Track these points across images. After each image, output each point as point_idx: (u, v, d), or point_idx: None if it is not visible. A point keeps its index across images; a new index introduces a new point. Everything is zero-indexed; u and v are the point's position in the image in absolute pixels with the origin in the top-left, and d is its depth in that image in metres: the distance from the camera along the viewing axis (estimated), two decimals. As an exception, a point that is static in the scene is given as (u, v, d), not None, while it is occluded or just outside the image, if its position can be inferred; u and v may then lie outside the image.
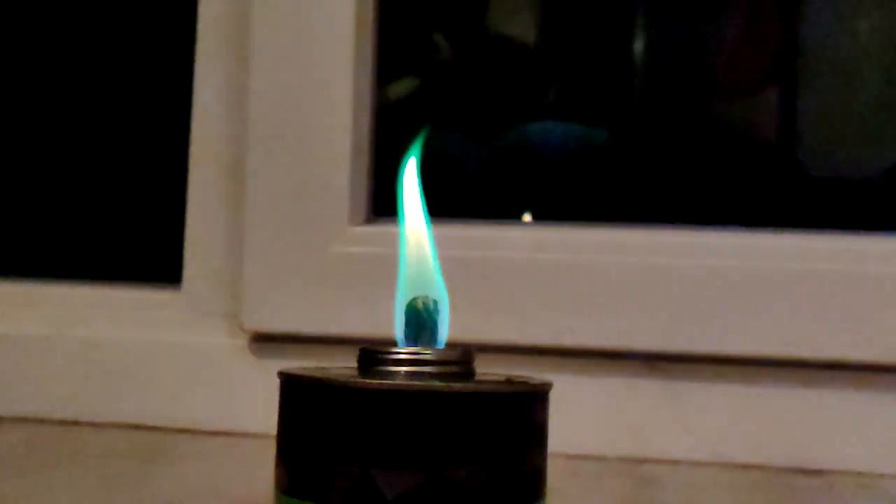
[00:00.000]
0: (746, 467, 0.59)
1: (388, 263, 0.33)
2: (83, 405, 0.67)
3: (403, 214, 0.32)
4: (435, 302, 0.30)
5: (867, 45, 0.78)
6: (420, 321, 0.29)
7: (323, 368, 0.29)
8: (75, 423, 0.67)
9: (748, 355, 0.60)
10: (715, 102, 0.84)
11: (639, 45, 0.84)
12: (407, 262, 0.31)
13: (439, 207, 0.33)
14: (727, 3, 0.84)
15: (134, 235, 0.84)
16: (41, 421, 0.67)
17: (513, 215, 0.77)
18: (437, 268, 0.31)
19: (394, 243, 0.31)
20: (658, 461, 0.60)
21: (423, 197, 0.32)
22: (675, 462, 0.60)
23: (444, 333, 0.30)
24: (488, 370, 0.30)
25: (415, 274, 0.31)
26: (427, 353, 0.28)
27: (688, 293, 0.60)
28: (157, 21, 0.86)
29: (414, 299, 0.29)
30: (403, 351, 0.28)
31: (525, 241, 0.64)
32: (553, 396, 0.29)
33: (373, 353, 0.28)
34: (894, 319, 0.58)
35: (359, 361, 0.29)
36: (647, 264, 0.61)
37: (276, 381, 0.29)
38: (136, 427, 0.66)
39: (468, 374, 0.29)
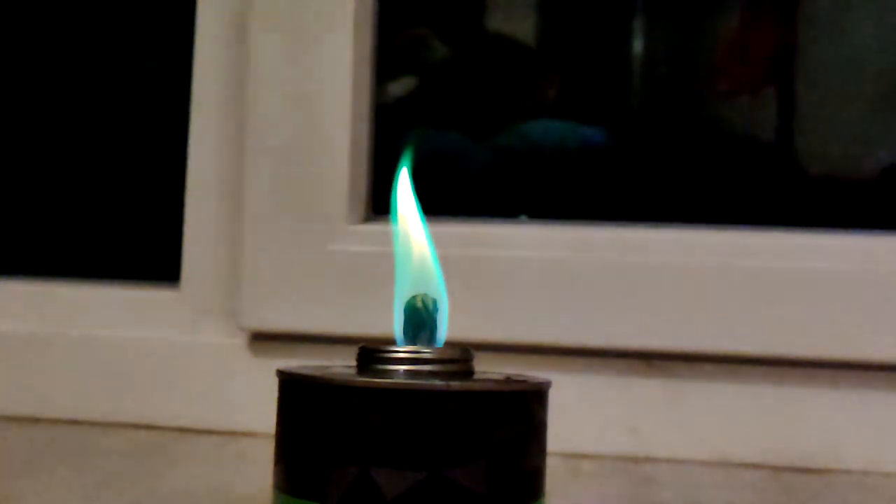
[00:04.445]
0: (745, 466, 0.59)
1: (386, 262, 0.33)
2: (82, 404, 0.67)
3: (400, 215, 0.31)
4: (434, 300, 0.29)
5: (864, 44, 0.78)
6: (419, 320, 0.29)
7: (322, 367, 0.29)
8: (73, 422, 0.67)
9: (747, 354, 0.60)
10: (713, 102, 0.84)
11: (637, 45, 0.84)
12: (406, 260, 0.31)
13: (439, 206, 0.33)
14: (725, 3, 0.84)
15: (132, 234, 0.84)
16: (38, 420, 0.67)
17: (512, 214, 0.77)
18: (436, 266, 0.31)
19: (393, 242, 0.31)
20: (657, 460, 0.60)
21: (418, 196, 0.32)
22: (673, 461, 0.60)
23: (444, 332, 0.30)
24: (487, 369, 0.30)
25: (414, 272, 0.31)
26: (426, 352, 0.28)
27: (687, 292, 0.60)
28: (156, 20, 0.86)
29: (413, 298, 0.29)
30: (402, 349, 0.28)
31: (524, 239, 0.64)
32: (552, 395, 0.29)
33: (372, 352, 0.28)
34: (894, 318, 0.58)
35: (358, 360, 0.29)
36: (646, 263, 0.61)
37: (275, 380, 0.29)
38: (135, 426, 0.66)
39: (467, 372, 0.28)
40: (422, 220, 0.31)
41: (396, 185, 0.32)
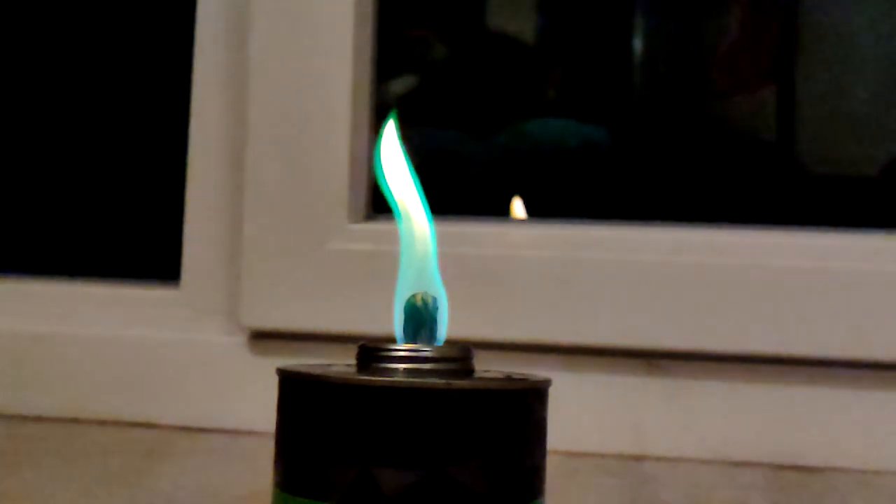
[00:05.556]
0: (745, 465, 0.59)
1: (386, 260, 0.33)
2: (82, 402, 0.67)
3: (402, 212, 0.31)
4: (434, 299, 0.29)
5: (865, 41, 0.78)
6: (419, 318, 0.29)
7: (322, 365, 0.29)
8: (74, 420, 0.67)
9: (747, 353, 0.60)
10: (713, 100, 0.84)
11: (638, 43, 0.84)
12: (406, 259, 0.31)
13: (438, 205, 0.33)
14: (726, 2, 0.84)
15: (133, 233, 0.84)
16: (40, 418, 0.67)
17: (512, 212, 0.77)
18: (435, 264, 0.31)
19: (393, 240, 0.31)
20: (657, 459, 0.60)
21: (424, 194, 0.32)
22: (674, 460, 0.60)
23: (444, 330, 0.30)
24: (487, 367, 0.30)
25: (414, 271, 0.31)
26: (426, 350, 0.28)
27: (687, 290, 0.60)
28: (156, 20, 0.86)
29: (413, 296, 0.29)
30: (402, 348, 0.28)
31: (524, 238, 0.64)
32: (552, 393, 0.29)
33: (372, 350, 0.28)
34: (893, 317, 0.58)
35: (358, 358, 0.29)
36: (646, 262, 0.61)
37: (275, 379, 0.28)
38: (136, 424, 0.66)
39: (467, 371, 0.28)
40: (427, 213, 0.31)
41: (379, 162, 0.32)
